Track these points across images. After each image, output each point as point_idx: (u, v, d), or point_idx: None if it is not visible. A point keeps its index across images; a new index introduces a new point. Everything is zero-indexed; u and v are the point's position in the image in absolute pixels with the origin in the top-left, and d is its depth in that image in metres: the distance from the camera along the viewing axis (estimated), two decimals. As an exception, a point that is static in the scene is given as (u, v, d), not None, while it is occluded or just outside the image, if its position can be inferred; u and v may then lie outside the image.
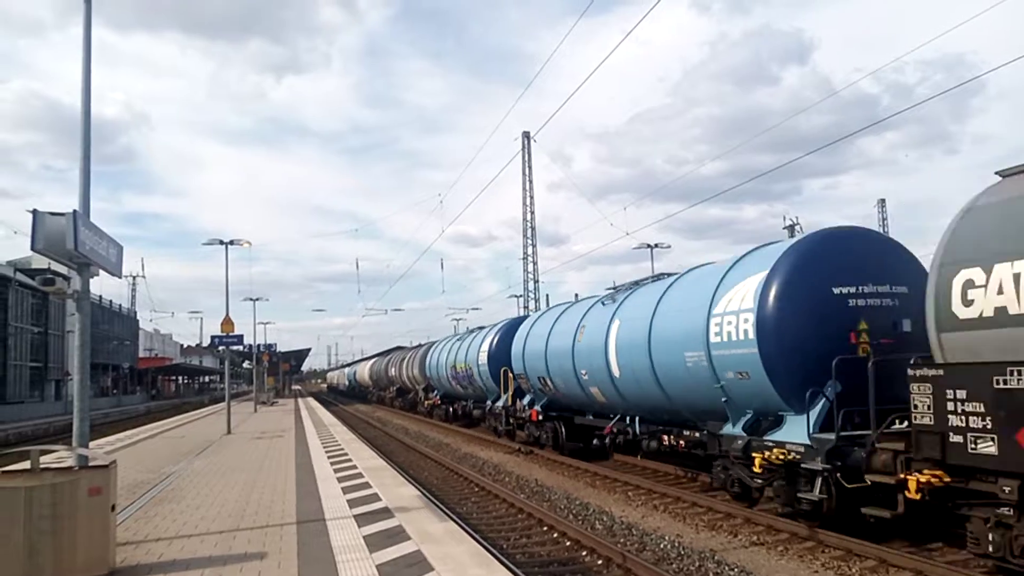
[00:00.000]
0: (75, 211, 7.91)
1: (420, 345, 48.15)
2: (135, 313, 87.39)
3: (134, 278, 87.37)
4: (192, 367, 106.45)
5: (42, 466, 7.09)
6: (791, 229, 52.92)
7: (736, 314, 11.07)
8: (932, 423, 7.79)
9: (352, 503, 10.85)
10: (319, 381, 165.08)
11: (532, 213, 46.82)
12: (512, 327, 25.13)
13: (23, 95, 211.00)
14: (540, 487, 15.51)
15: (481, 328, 31.19)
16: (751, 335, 10.66)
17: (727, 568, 9.01)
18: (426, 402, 38.90)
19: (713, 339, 11.55)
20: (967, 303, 7.54)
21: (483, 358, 26.45)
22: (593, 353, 16.20)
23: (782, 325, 10.36)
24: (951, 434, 7.57)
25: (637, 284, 16.48)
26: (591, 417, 18.26)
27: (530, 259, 47.36)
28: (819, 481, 9.79)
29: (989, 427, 7.13)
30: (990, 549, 7.50)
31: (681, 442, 13.79)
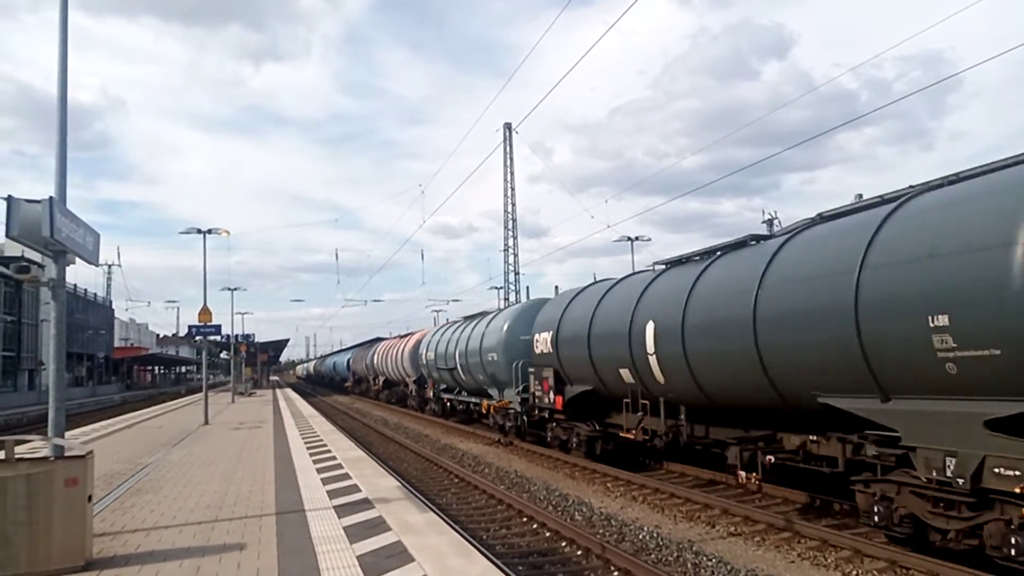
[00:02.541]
0: (51, 198, 7.79)
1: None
2: (110, 302, 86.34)
3: (109, 267, 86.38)
4: (168, 357, 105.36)
5: (17, 457, 7.00)
6: (769, 224, 53.35)
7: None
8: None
9: (332, 494, 10.82)
10: (293, 372, 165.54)
11: (513, 205, 46.83)
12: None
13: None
14: (520, 478, 15.57)
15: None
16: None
17: (705, 558, 9.11)
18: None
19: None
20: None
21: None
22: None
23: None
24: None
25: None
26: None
27: (511, 251, 47.37)
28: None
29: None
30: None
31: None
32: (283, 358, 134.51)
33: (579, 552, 9.57)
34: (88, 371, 74.72)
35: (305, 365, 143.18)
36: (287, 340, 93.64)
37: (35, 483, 6.77)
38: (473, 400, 26.40)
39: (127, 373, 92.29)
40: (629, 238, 46.43)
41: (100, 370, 78.86)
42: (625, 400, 14.64)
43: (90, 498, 7.20)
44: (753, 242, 12.22)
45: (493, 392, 23.21)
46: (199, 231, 28.84)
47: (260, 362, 73.53)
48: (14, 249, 47.33)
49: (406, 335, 43.96)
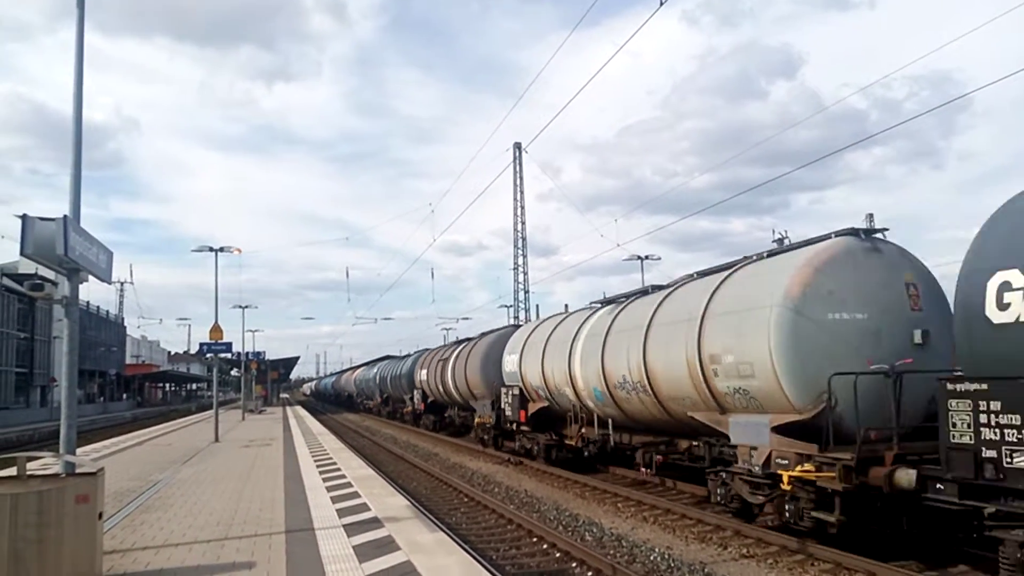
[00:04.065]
0: (65, 216, 7.87)
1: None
2: (122, 319, 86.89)
3: (122, 284, 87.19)
4: (179, 374, 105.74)
5: (28, 473, 7.02)
6: (780, 243, 53.23)
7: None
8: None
9: (341, 512, 10.79)
10: (300, 391, 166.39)
11: (523, 224, 46.92)
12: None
13: (10, 98, 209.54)
14: (530, 498, 15.47)
15: (465, 341, 31.06)
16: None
17: (717, 580, 9.00)
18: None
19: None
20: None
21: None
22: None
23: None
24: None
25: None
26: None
27: (520, 269, 47.40)
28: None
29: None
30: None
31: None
32: (293, 376, 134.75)
33: (589, 573, 9.47)
34: (99, 388, 75.05)
35: (309, 384, 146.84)
36: (297, 358, 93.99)
37: (46, 500, 6.77)
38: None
39: (138, 390, 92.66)
40: (639, 257, 46.48)
41: (111, 387, 79.21)
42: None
43: (101, 515, 7.20)
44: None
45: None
46: (211, 249, 29.05)
47: (270, 380, 73.65)
48: (28, 266, 47.78)
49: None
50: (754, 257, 12.17)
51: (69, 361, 8.55)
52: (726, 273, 12.24)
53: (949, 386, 7.59)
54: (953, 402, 7.52)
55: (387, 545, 8.53)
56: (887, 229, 10.76)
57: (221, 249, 29.13)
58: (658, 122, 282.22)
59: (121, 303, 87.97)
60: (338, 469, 16.44)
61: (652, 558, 10.08)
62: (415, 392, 37.81)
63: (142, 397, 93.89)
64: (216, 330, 27.98)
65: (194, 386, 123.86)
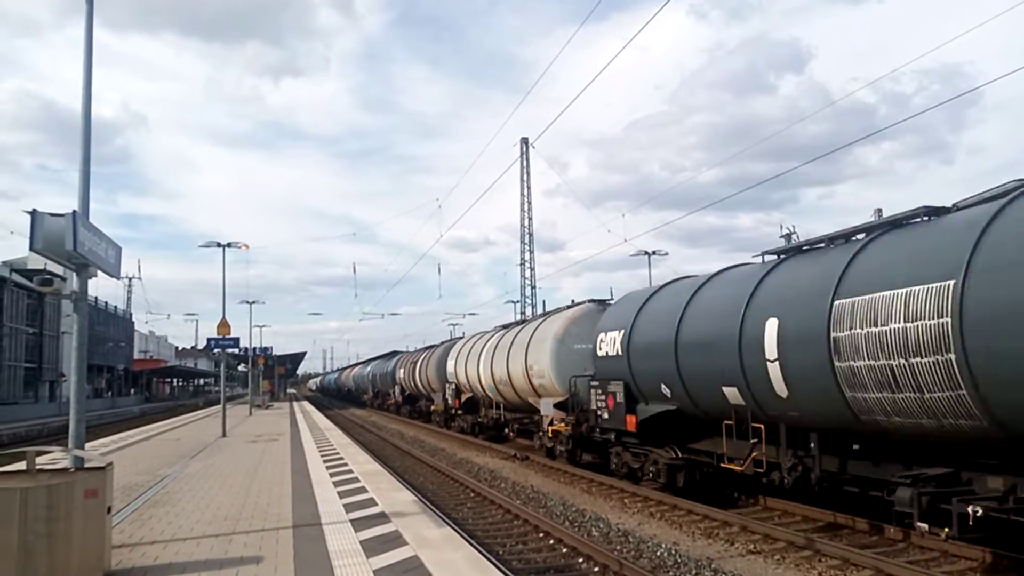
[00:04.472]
0: (74, 212, 7.88)
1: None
2: (130, 315, 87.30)
3: (130, 280, 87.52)
4: (187, 369, 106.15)
5: (38, 468, 7.05)
6: (788, 238, 53.01)
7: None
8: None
9: (348, 507, 10.81)
10: (306, 386, 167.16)
11: (530, 219, 46.88)
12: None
13: (19, 95, 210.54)
14: (536, 493, 15.48)
15: (521, 323, 26.45)
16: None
17: (724, 576, 8.99)
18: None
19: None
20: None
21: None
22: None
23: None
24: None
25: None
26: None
27: (527, 265, 47.38)
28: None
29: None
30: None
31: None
32: (300, 371, 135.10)
33: (596, 569, 9.47)
34: (108, 383, 75.45)
35: (315, 380, 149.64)
36: (304, 353, 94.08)
37: (55, 494, 6.80)
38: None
39: (146, 385, 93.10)
40: (646, 252, 46.30)
41: (119, 382, 79.62)
42: (484, 401, 17.51)
43: (109, 509, 7.23)
44: (515, 324, 22.71)
45: (435, 398, 30.17)
46: (219, 245, 29.09)
47: (277, 375, 73.83)
48: (37, 262, 47.98)
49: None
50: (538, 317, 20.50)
51: (78, 356, 8.58)
52: (537, 322, 22.34)
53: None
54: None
55: (394, 540, 8.55)
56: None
57: (229, 245, 29.18)
58: (666, 117, 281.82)
59: (129, 299, 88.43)
60: (345, 464, 16.48)
61: (659, 553, 10.08)
62: (396, 387, 46.72)
63: (150, 392, 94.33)
64: (224, 325, 28.06)
65: (201, 381, 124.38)
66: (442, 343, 38.25)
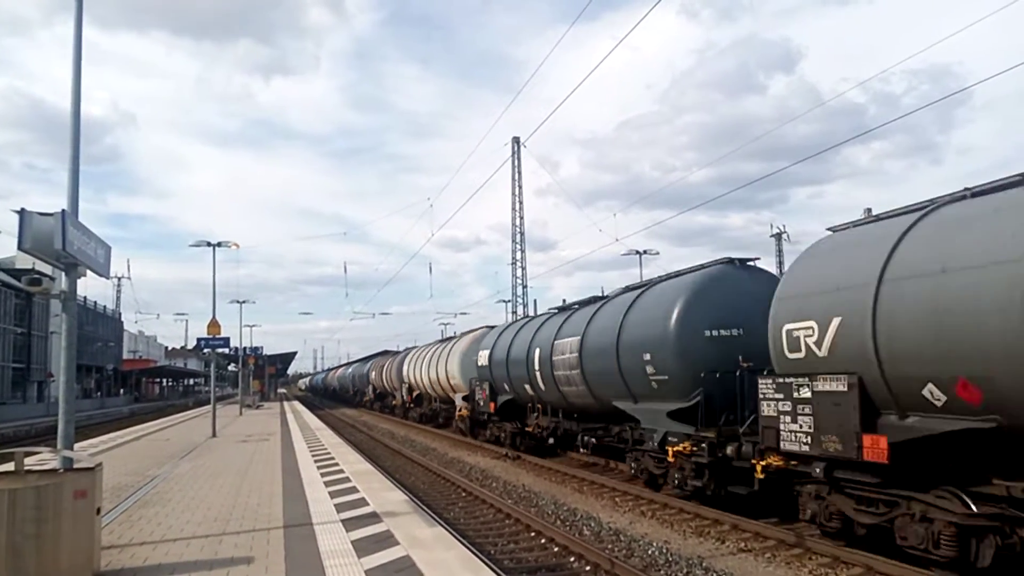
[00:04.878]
0: (63, 211, 7.84)
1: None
2: (119, 315, 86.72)
3: (119, 279, 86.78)
4: (176, 369, 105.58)
5: (26, 468, 7.01)
6: (778, 237, 53.29)
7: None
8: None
9: (340, 507, 10.79)
10: (296, 385, 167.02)
11: (521, 218, 46.86)
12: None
13: (7, 93, 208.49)
14: (527, 492, 15.49)
15: (450, 339, 35.94)
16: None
17: (715, 575, 9.03)
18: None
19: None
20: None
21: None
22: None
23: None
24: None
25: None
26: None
27: (519, 264, 47.35)
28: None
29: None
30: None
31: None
32: (290, 371, 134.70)
33: (588, 567, 9.49)
34: (97, 383, 74.99)
35: (304, 379, 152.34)
36: (295, 353, 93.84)
37: (44, 495, 6.76)
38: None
39: (136, 385, 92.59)
40: (637, 251, 46.49)
41: (109, 382, 79.13)
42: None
43: (99, 510, 7.20)
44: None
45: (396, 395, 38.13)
46: (209, 244, 29.00)
47: (268, 375, 73.60)
48: (25, 261, 47.69)
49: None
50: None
51: (67, 356, 8.53)
52: (455, 340, 25.32)
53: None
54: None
55: (386, 540, 8.54)
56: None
57: (219, 244, 29.10)
58: (657, 116, 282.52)
59: (118, 298, 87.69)
60: (336, 464, 16.44)
61: (650, 552, 10.11)
62: (370, 386, 54.71)
63: (139, 392, 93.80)
64: (214, 325, 27.93)
65: (191, 381, 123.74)
66: (403, 350, 49.20)
